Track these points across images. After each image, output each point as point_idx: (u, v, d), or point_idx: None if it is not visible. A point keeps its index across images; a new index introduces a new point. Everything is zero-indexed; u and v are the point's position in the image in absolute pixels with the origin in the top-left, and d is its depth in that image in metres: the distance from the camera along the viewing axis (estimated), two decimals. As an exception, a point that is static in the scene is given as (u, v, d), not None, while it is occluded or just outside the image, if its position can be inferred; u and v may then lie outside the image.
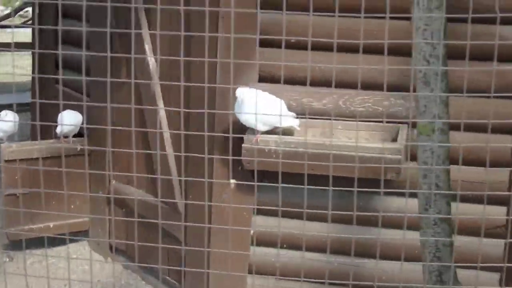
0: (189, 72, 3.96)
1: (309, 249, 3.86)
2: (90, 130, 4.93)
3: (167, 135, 4.22)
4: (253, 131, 3.61)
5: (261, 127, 3.57)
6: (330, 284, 3.87)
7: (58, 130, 4.89)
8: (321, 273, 3.84)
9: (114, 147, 4.72)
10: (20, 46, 9.14)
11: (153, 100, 4.28)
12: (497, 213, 3.66)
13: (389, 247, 3.59)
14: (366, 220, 3.69)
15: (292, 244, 3.90)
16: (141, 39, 4.35)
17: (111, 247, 4.97)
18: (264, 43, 3.73)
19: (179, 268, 4.17)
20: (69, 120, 4.84)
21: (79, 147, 4.96)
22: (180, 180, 4.20)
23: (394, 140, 3.62)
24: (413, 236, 3.57)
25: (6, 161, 4.71)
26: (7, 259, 4.84)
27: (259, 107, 3.45)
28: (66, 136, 4.96)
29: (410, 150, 3.54)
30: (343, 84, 3.70)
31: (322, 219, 3.71)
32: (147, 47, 4.32)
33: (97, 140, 4.75)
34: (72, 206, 5.04)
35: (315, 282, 3.85)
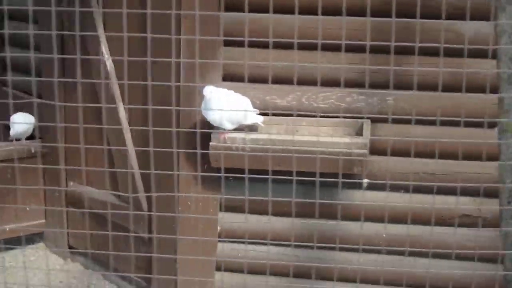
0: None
1: (275, 244, 3.93)
2: (43, 133, 4.89)
3: (128, 135, 4.21)
4: (219, 129, 3.65)
5: (228, 125, 3.61)
6: (295, 277, 3.94)
7: (12, 132, 4.82)
8: (287, 267, 3.93)
9: (71, 149, 4.70)
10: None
11: (113, 102, 4.26)
12: None
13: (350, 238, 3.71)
14: (328, 214, 3.78)
15: (258, 240, 3.96)
16: (97, 40, 4.32)
17: (70, 248, 4.93)
18: (226, 42, 3.78)
19: (148, 275, 4.18)
20: (21, 122, 4.77)
21: (33, 149, 4.91)
22: (142, 180, 4.21)
23: (358, 134, 3.71)
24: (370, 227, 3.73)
25: (-42, 165, 4.62)
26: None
27: (226, 105, 3.50)
28: (18, 139, 4.89)
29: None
30: (305, 82, 3.78)
31: (286, 214, 3.80)
32: (104, 48, 4.29)
33: (51, 142, 4.72)
34: (28, 209, 4.98)
35: (281, 276, 3.96)
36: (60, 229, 4.94)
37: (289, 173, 3.54)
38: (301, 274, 3.91)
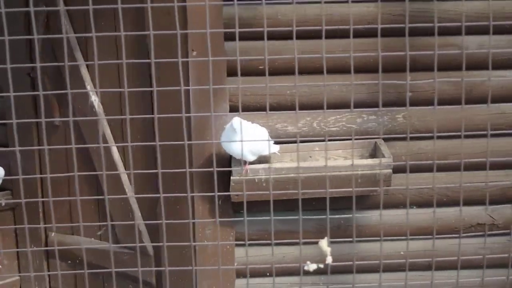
0: (150, 107, 3.81)
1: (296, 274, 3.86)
2: (14, 183, 4.58)
3: (124, 177, 4.01)
4: (238, 162, 3.55)
5: (250, 157, 3.52)
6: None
7: (-18, 186, 4.49)
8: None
9: (49, 197, 4.43)
10: None
11: (105, 143, 4.04)
12: None
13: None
14: (347, 236, 3.76)
15: (278, 272, 3.87)
16: (79, 75, 4.07)
17: (52, 304, 4.63)
18: (230, 72, 3.69)
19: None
20: (-13, 174, 4.47)
21: (3, 202, 4.58)
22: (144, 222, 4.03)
23: (372, 154, 3.71)
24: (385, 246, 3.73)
25: None
26: None
27: (249, 137, 3.42)
28: (-12, 192, 4.57)
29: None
30: (313, 107, 3.75)
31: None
32: (88, 85, 4.06)
33: (25, 193, 4.42)
34: (0, 266, 4.64)
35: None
36: (39, 285, 4.63)
37: (309, 199, 3.52)
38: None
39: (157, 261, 3.98)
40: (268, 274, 3.89)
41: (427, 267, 3.88)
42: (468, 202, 3.77)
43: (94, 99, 4.03)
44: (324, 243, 2.26)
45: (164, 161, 3.73)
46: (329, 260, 2.36)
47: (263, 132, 3.53)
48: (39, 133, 4.37)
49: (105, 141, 4.04)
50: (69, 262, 4.41)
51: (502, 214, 3.89)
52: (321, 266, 2.47)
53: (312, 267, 2.46)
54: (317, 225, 3.74)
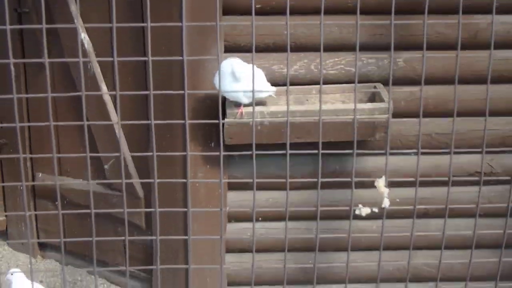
0: (143, 47, 3.68)
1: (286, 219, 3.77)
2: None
3: (113, 117, 3.88)
4: (232, 104, 3.43)
5: (245, 100, 3.40)
6: (308, 251, 3.82)
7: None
8: (299, 244, 3.80)
9: (36, 137, 4.32)
10: None
11: (93, 82, 3.91)
12: None
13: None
14: (341, 184, 3.67)
15: (268, 217, 3.80)
16: (68, 11, 3.90)
17: (40, 245, 4.55)
18: (226, 11, 3.55)
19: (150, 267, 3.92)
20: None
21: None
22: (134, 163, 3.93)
23: (371, 99, 3.61)
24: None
25: None
26: None
27: (243, 79, 3.30)
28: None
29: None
30: (312, 48, 3.63)
31: (296, 187, 3.66)
32: (78, 22, 3.90)
33: (10, 132, 4.31)
34: (-14, 205, 4.56)
35: (294, 251, 3.82)
36: (25, 225, 4.54)
37: (303, 143, 3.42)
38: (313, 248, 3.77)
39: (147, 204, 3.90)
40: (260, 219, 3.81)
41: (423, 215, 3.82)
42: (468, 150, 3.67)
43: (84, 36, 3.87)
44: (381, 183, 2.08)
45: (157, 99, 3.64)
46: (386, 203, 2.19)
47: (259, 74, 3.41)
48: (26, 72, 4.24)
49: (94, 80, 3.90)
50: (56, 203, 4.30)
51: (501, 163, 3.80)
52: (375, 210, 2.30)
53: (364, 211, 2.31)
54: (314, 170, 3.65)
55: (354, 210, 2.41)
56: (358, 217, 3.61)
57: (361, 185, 3.67)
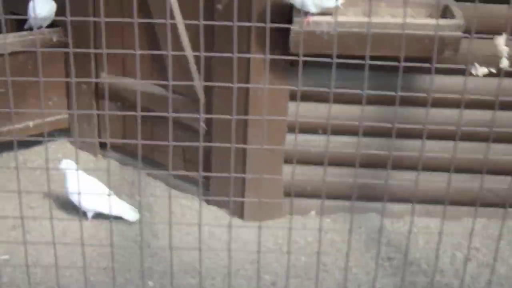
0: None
1: (345, 133, 3.74)
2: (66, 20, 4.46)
3: (179, 18, 3.84)
4: (300, 12, 3.37)
5: (312, 8, 3.34)
6: (365, 167, 3.78)
7: (32, 20, 4.39)
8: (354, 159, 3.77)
9: (99, 39, 4.32)
10: None
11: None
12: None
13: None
14: (408, 101, 3.60)
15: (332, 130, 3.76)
16: None
17: (100, 144, 4.62)
18: None
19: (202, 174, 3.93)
20: (42, 8, 4.35)
21: (54, 38, 4.50)
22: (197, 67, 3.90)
23: (442, 15, 3.50)
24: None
25: (-23, 57, 4.18)
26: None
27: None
28: (39, 27, 4.47)
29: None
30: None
31: (358, 102, 3.61)
32: None
33: (77, 30, 4.31)
34: (50, 103, 4.62)
35: (347, 167, 3.80)
36: (88, 124, 4.61)
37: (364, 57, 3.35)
38: (372, 164, 3.74)
39: (208, 109, 3.90)
40: (320, 131, 3.79)
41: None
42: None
43: None
44: (501, 41, 1.96)
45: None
46: (504, 63, 2.04)
47: (325, -18, 3.33)
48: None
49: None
50: (118, 104, 4.35)
51: None
52: (493, 70, 2.18)
53: (482, 71, 2.21)
54: (376, 85, 3.58)
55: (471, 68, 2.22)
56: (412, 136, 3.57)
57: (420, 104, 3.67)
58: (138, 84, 4.13)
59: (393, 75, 3.56)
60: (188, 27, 3.84)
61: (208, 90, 3.88)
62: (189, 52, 3.87)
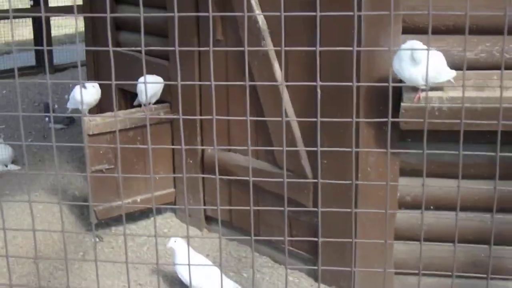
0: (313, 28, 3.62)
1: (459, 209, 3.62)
2: (173, 96, 4.56)
3: (286, 96, 3.87)
4: (410, 88, 3.32)
5: (422, 83, 3.28)
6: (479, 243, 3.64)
7: (141, 97, 4.49)
8: (473, 233, 3.64)
9: (205, 112, 4.38)
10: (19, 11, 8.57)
11: (266, 60, 3.91)
12: None
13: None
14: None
15: (439, 205, 3.67)
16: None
17: (206, 218, 4.64)
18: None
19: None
20: (151, 85, 4.45)
21: (162, 113, 4.59)
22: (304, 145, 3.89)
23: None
24: None
25: (90, 135, 4.30)
26: (97, 240, 4.48)
27: (423, 62, 3.18)
28: (147, 103, 4.57)
29: None
30: (495, 31, 3.43)
31: (472, 176, 3.50)
32: (253, 1, 3.92)
33: (184, 105, 4.38)
34: (157, 178, 4.69)
35: (464, 243, 3.66)
36: (194, 198, 4.65)
37: (481, 134, 3.25)
38: (487, 240, 3.60)
39: (315, 186, 3.86)
40: (431, 207, 3.69)
41: None
42: None
43: (258, 13, 3.88)
44: None
45: (326, 76, 3.58)
46: None
47: (439, 57, 3.27)
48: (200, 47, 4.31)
49: (267, 58, 3.91)
50: (224, 178, 4.38)
51: None
52: None
53: None
54: (490, 158, 3.47)
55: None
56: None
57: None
58: (248, 161, 4.21)
59: (508, 148, 3.49)
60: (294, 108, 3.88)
61: (315, 168, 3.84)
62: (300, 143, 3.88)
